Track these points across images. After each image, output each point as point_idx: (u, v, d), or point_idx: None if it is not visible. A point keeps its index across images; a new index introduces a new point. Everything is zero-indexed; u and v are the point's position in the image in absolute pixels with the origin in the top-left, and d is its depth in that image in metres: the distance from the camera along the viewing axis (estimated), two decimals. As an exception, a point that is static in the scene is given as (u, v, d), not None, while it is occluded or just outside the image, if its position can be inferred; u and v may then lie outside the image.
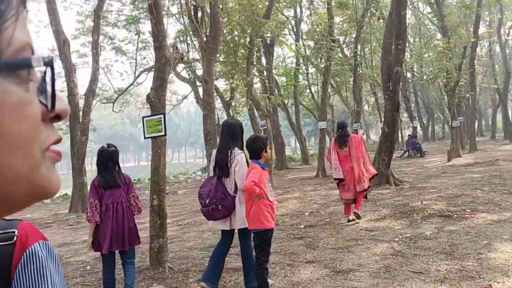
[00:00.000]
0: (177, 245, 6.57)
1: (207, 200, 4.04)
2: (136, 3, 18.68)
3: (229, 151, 4.08)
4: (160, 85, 4.96)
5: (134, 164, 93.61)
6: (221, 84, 23.30)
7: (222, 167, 4.10)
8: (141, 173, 71.71)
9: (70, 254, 6.57)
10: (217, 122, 17.25)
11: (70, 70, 10.62)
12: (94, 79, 10.78)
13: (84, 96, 10.80)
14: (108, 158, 4.20)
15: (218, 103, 19.43)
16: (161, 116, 4.83)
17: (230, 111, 17.44)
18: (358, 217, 7.08)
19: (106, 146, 4.32)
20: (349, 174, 6.94)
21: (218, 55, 17.68)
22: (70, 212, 11.04)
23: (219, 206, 3.98)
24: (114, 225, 4.06)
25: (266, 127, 13.07)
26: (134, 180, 22.76)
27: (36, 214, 12.09)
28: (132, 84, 20.77)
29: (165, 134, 4.86)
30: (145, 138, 5.06)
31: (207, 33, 8.97)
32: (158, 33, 4.93)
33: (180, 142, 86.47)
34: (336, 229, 6.73)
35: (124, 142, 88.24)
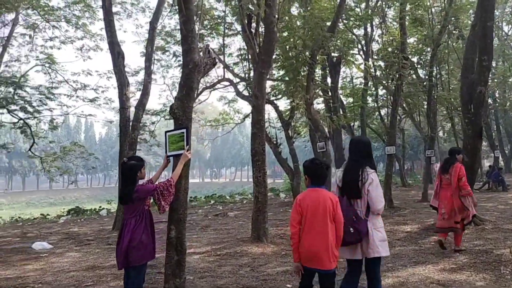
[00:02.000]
0: (207, 281, 5.68)
1: None
2: (205, 21, 18.54)
3: (361, 170, 3.78)
4: (186, 94, 4.19)
5: (199, 181, 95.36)
6: (281, 103, 22.54)
7: (353, 187, 3.80)
8: (204, 190, 72.85)
9: (92, 281, 5.91)
10: (275, 142, 16.54)
11: (123, 83, 10.35)
12: (145, 93, 10.43)
13: (135, 109, 10.44)
14: (125, 172, 4.01)
15: (277, 123, 18.63)
16: (184, 130, 4.03)
17: (289, 131, 16.50)
18: (442, 246, 6.92)
19: (127, 160, 4.12)
20: (450, 203, 6.84)
21: (277, 71, 17.04)
22: (113, 230, 10.62)
23: (351, 229, 3.66)
24: (119, 240, 4.02)
25: (325, 150, 12.00)
26: (191, 197, 22.43)
27: (84, 229, 11.86)
28: (193, 101, 20.58)
29: (187, 151, 4.05)
30: (167, 156, 4.29)
31: (260, 44, 8.21)
32: (187, 33, 4.19)
33: (243, 161, 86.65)
34: (400, 278, 5.48)
35: (191, 159, 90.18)
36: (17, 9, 18.05)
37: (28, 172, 79.20)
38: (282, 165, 16.39)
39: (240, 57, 18.30)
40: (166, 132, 4.26)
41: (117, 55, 10.24)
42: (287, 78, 14.87)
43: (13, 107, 19.63)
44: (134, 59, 22.82)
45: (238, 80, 18.19)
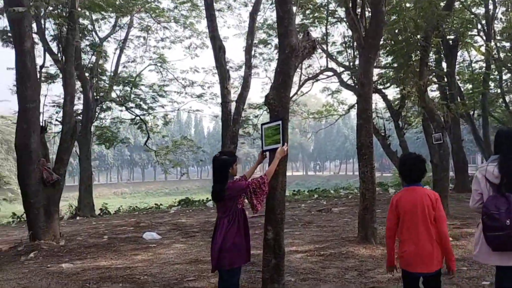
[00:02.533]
0: (310, 285, 5.26)
1: (508, 221, 3.14)
2: (306, 11, 18.03)
3: None
4: (282, 82, 3.79)
5: (302, 174, 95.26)
6: (390, 92, 21.12)
7: None
8: (307, 183, 72.35)
9: (194, 276, 5.88)
10: (383, 134, 15.45)
11: (224, 77, 10.37)
12: (245, 86, 10.33)
13: (236, 103, 10.41)
14: (216, 167, 3.73)
15: (386, 113, 17.48)
16: (279, 122, 3.64)
17: (399, 122, 15.29)
18: None
19: (218, 155, 3.79)
20: None
21: (384, 58, 15.88)
22: (217, 222, 10.71)
23: None
24: (213, 240, 3.78)
25: (442, 141, 10.81)
26: (294, 191, 22.20)
27: (190, 220, 12.23)
28: (295, 93, 20.23)
29: (283, 146, 3.66)
30: (263, 151, 3.94)
31: (367, 27, 7.51)
32: (283, 15, 3.78)
33: (348, 154, 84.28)
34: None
35: (293, 151, 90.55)
36: (131, 13, 19.36)
37: (147, 164, 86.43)
38: (391, 158, 15.30)
39: (344, 45, 17.47)
40: (262, 124, 3.92)
41: (218, 49, 10.28)
42: (396, 65, 13.78)
43: (130, 104, 21.31)
44: (237, 54, 23.21)
45: (342, 69, 17.42)
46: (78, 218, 16.22)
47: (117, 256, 7.44)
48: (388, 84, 16.81)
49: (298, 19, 18.83)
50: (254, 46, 20.49)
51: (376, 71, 17.26)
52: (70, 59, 8.83)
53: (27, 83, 7.94)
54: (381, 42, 12.65)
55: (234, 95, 12.32)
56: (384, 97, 15.79)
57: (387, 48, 13.26)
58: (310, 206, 15.09)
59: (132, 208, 19.95)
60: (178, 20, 21.84)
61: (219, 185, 3.62)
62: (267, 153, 3.91)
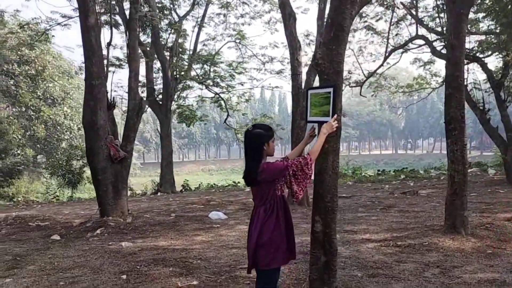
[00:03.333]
0: (379, 283, 4.45)
1: None
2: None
3: None
4: (334, 37, 2.99)
5: (391, 152, 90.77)
6: (490, 60, 18.63)
7: None
8: (397, 162, 68.75)
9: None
10: (481, 107, 13.51)
11: (294, 47, 9.57)
12: (317, 55, 9.43)
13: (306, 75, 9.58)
14: (248, 143, 3.05)
15: (486, 84, 15.39)
16: (331, 90, 2.87)
17: (502, 94, 13.27)
18: None
19: (251, 128, 3.08)
20: None
21: (483, 21, 13.80)
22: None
23: None
24: (248, 234, 3.15)
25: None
26: (378, 171, 20.80)
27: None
28: (381, 65, 18.72)
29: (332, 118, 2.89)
30: (307, 122, 3.22)
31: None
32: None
33: (443, 131, 77.94)
34: None
35: (382, 129, 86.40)
36: (210, -11, 19.14)
37: (232, 142, 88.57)
38: (492, 135, 13.44)
39: (436, 8, 15.56)
40: (307, 90, 3.17)
41: (288, 17, 9.48)
42: (497, 31, 11.88)
43: (210, 83, 21.36)
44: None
45: (435, 37, 15.61)
46: (159, 194, 16.69)
47: (178, 235, 7.21)
48: (489, 52, 14.71)
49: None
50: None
51: (474, 37, 15.22)
52: (133, 34, 8.67)
53: (92, 60, 7.91)
54: (479, 1, 10.94)
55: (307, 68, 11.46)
56: (484, 65, 13.81)
57: (487, 7, 11.45)
58: (395, 187, 13.89)
59: (210, 186, 20.17)
60: (257, -8, 21.25)
61: (251, 164, 2.99)
62: (316, 129, 3.17)
